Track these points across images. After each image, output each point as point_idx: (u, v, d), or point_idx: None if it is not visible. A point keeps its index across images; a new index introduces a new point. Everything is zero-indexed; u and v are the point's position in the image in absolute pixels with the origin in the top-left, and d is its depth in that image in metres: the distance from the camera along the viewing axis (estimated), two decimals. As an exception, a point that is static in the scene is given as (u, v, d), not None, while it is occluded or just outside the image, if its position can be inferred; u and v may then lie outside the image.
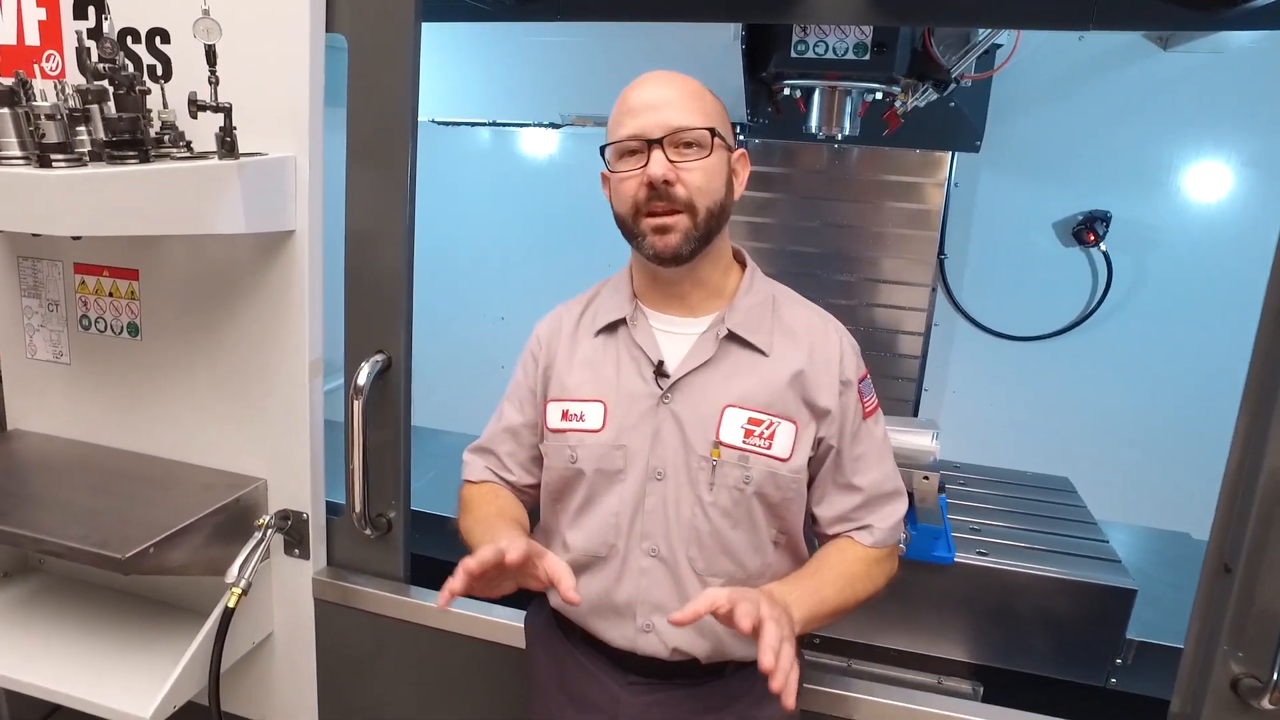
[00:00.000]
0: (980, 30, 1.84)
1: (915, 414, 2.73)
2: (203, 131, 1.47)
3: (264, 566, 1.66)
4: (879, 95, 1.95)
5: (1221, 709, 1.32)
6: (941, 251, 2.63)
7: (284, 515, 1.63)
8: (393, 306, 1.59)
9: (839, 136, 2.06)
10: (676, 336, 1.22)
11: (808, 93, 2.04)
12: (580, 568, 1.21)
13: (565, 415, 1.22)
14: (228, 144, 1.39)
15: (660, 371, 1.19)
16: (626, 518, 1.19)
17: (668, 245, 1.13)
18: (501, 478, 1.34)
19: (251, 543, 1.55)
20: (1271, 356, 1.26)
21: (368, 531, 1.63)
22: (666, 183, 1.11)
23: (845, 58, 1.87)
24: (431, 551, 2.22)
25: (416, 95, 1.53)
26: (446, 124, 2.65)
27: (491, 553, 1.01)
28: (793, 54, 1.89)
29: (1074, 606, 1.69)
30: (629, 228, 1.18)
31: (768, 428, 1.16)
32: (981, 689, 1.78)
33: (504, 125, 2.69)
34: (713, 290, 1.22)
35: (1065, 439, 2.59)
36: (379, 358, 1.58)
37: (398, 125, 1.53)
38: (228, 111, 1.38)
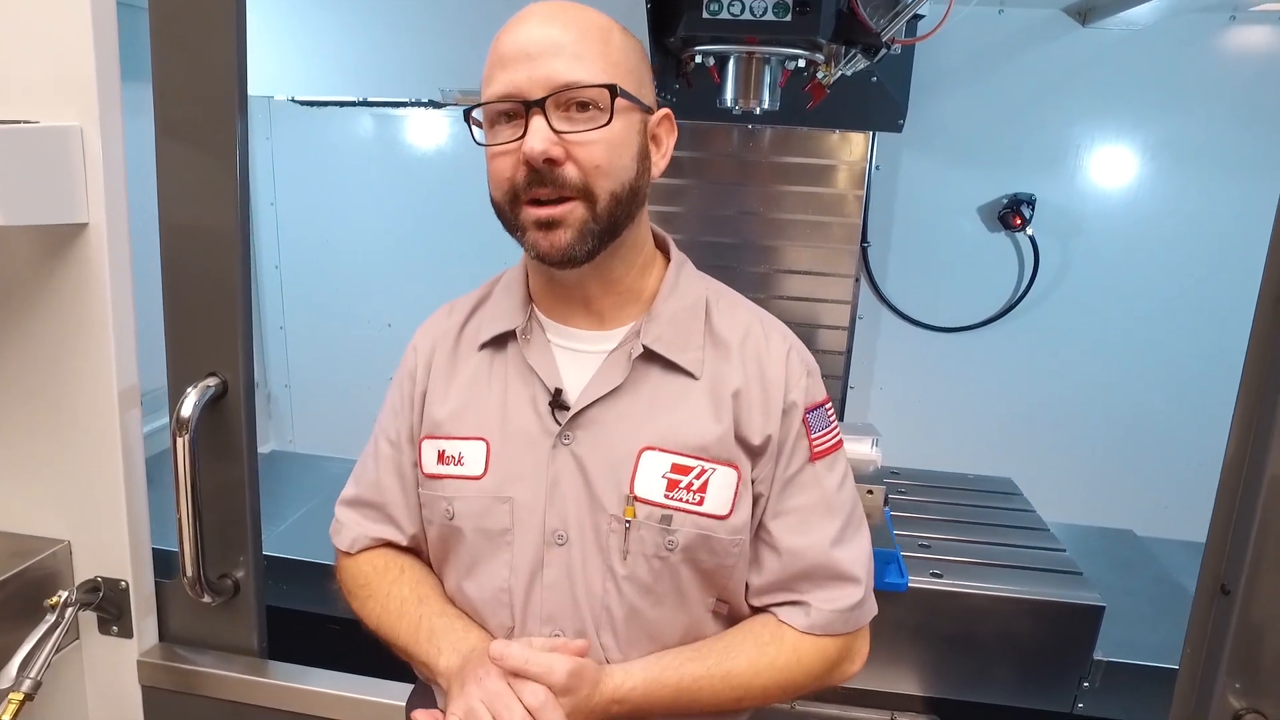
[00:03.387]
0: (908, -9, 1.66)
1: (842, 415, 2.56)
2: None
3: (70, 652, 1.31)
4: (801, 63, 1.74)
5: (1220, 747, 1.17)
6: (864, 239, 2.46)
7: (92, 586, 1.28)
8: (225, 318, 1.27)
9: (757, 111, 1.84)
10: (581, 355, 0.94)
11: (722, 61, 1.81)
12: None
13: (441, 457, 0.94)
14: (-31, 106, 1.04)
15: (558, 402, 0.91)
16: (520, 593, 0.91)
17: (555, 245, 0.84)
18: (391, 541, 1.03)
19: (42, 629, 1.20)
20: (1267, 356, 1.11)
21: (206, 599, 1.29)
22: (550, 161, 0.82)
23: (764, 19, 1.64)
24: (300, 604, 1.90)
25: (244, 56, 1.21)
26: (309, 104, 2.29)
27: None
28: (704, 14, 1.66)
29: (1038, 628, 1.53)
30: (507, 218, 0.88)
31: (698, 476, 0.88)
32: (938, 723, 1.60)
33: (377, 105, 2.36)
34: (627, 294, 0.94)
35: (998, 432, 2.48)
36: (210, 382, 1.26)
37: (221, 94, 1.21)
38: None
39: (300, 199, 2.73)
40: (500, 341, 0.96)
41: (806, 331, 2.50)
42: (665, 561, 0.89)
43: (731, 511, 0.89)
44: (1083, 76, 2.29)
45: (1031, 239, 2.38)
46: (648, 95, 0.90)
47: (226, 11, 1.18)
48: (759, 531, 0.93)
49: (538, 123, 0.82)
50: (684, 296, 0.95)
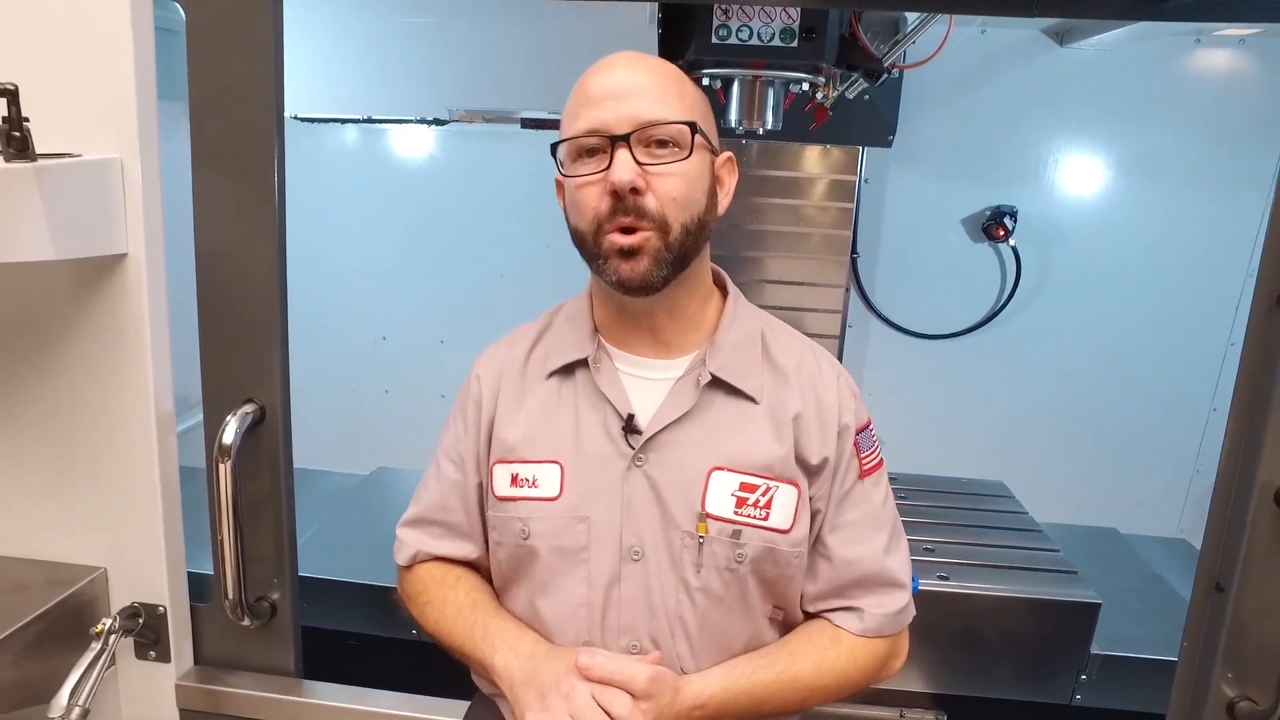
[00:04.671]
0: (910, 17, 1.73)
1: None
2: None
3: (107, 678, 1.31)
4: (805, 86, 1.80)
5: (1217, 732, 1.26)
6: (854, 250, 2.54)
7: (132, 612, 1.30)
8: (263, 346, 1.29)
9: (760, 130, 1.90)
10: (648, 382, 0.99)
11: (727, 83, 1.86)
12: None
13: (515, 480, 0.98)
14: (17, 140, 1.04)
15: (631, 427, 0.96)
16: (599, 607, 0.95)
17: (635, 272, 0.90)
18: (451, 558, 1.07)
19: (88, 657, 1.20)
20: (1260, 366, 1.20)
21: (246, 621, 1.31)
22: (634, 191, 0.88)
23: (771, 44, 1.71)
24: (316, 621, 1.92)
25: (281, 81, 1.23)
26: (312, 120, 2.29)
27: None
28: (714, 39, 1.71)
29: (1038, 625, 1.61)
30: (587, 247, 0.93)
31: (764, 494, 0.94)
32: (945, 717, 1.68)
33: (381, 122, 2.37)
34: (689, 324, 1.00)
35: (984, 435, 2.57)
36: (249, 409, 1.27)
37: (258, 120, 1.23)
38: (12, 95, 1.03)
39: (292, 213, 2.72)
40: (569, 369, 1.00)
41: (797, 339, 2.57)
42: (734, 573, 0.94)
43: (793, 526, 0.95)
44: (1061, 94, 2.39)
45: (1014, 249, 2.49)
46: (714, 138, 0.96)
47: (265, 41, 1.20)
48: (815, 544, 0.99)
49: (623, 155, 0.88)
50: (743, 326, 1.01)
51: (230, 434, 1.23)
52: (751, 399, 0.97)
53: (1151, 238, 2.45)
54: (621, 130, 0.88)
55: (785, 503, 0.95)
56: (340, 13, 1.87)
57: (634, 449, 0.95)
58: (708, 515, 0.94)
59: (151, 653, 1.34)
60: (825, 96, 1.92)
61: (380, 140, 2.66)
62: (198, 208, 1.26)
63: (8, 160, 1.04)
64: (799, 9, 1.65)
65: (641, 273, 0.90)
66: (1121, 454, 2.54)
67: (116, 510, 1.30)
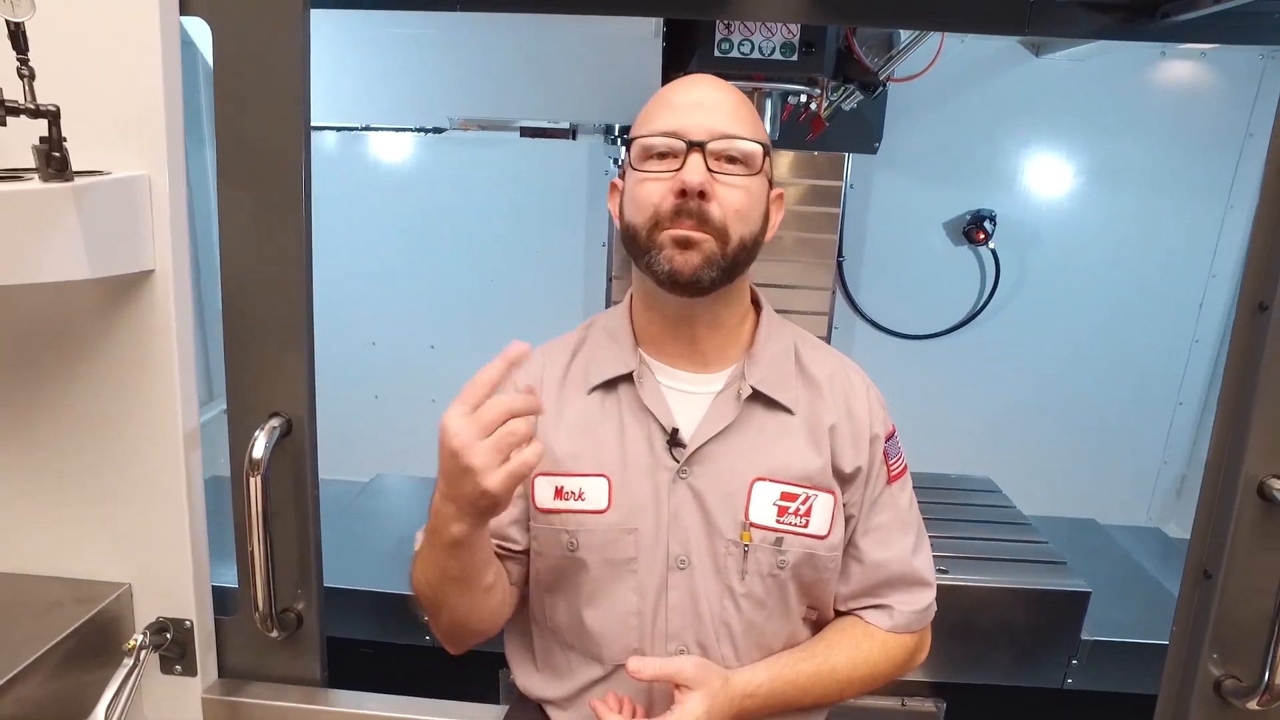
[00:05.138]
0: (903, 33, 1.80)
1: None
2: (9, 145, 1.12)
3: (133, 694, 1.31)
4: (804, 97, 1.86)
5: (1206, 711, 1.34)
6: (839, 254, 2.61)
7: (160, 627, 1.29)
8: (290, 359, 1.30)
9: (757, 141, 1.95)
10: (689, 396, 1.02)
11: (726, 94, 1.91)
12: (596, 679, 1.02)
13: (560, 493, 1.00)
14: (56, 160, 1.04)
15: (675, 440, 0.99)
16: (649, 615, 0.99)
17: (688, 263, 0.92)
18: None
19: (121, 674, 1.20)
20: (1244, 367, 1.28)
21: (275, 633, 1.32)
22: (702, 194, 0.91)
23: (772, 58, 1.76)
24: (328, 630, 1.92)
25: (308, 95, 1.24)
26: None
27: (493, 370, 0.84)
28: (716, 52, 1.76)
29: (1032, 615, 1.69)
30: (640, 241, 0.95)
31: (804, 503, 0.99)
32: (944, 705, 1.75)
33: (379, 130, 2.36)
34: (729, 337, 1.03)
35: (966, 432, 2.67)
36: (276, 423, 1.28)
37: (286, 133, 1.24)
38: (54, 116, 1.03)
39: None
40: (611, 384, 1.03)
41: (785, 341, 2.63)
42: (776, 578, 0.99)
43: (830, 531, 1.00)
44: (1036, 103, 2.49)
45: (993, 252, 2.58)
46: (771, 171, 1.02)
47: (293, 55, 1.21)
48: (847, 547, 1.04)
49: (696, 159, 0.92)
50: (777, 340, 1.05)
51: (260, 448, 1.24)
52: (788, 410, 1.01)
53: (1120, 241, 2.57)
54: (698, 137, 0.92)
55: (823, 510, 1.00)
56: (338, 23, 1.87)
57: (678, 462, 0.99)
58: (751, 524, 0.98)
59: (177, 666, 1.34)
60: (818, 108, 1.98)
61: (367, 146, 2.65)
62: (223, 223, 1.26)
63: (45, 180, 1.04)
64: (799, 24, 1.70)
65: (695, 265, 0.92)
66: (1096, 447, 2.66)
67: (141, 526, 1.30)
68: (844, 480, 1.02)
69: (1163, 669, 1.44)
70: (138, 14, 1.14)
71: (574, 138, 2.18)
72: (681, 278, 0.93)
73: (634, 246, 0.98)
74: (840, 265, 2.64)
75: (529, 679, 1.10)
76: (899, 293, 2.68)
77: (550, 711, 1.08)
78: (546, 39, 1.77)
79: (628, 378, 1.03)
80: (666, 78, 1.85)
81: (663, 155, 0.94)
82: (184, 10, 1.19)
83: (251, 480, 1.24)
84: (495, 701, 1.80)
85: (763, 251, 2.91)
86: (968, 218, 2.56)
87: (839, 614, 1.08)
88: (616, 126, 2.12)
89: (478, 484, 0.80)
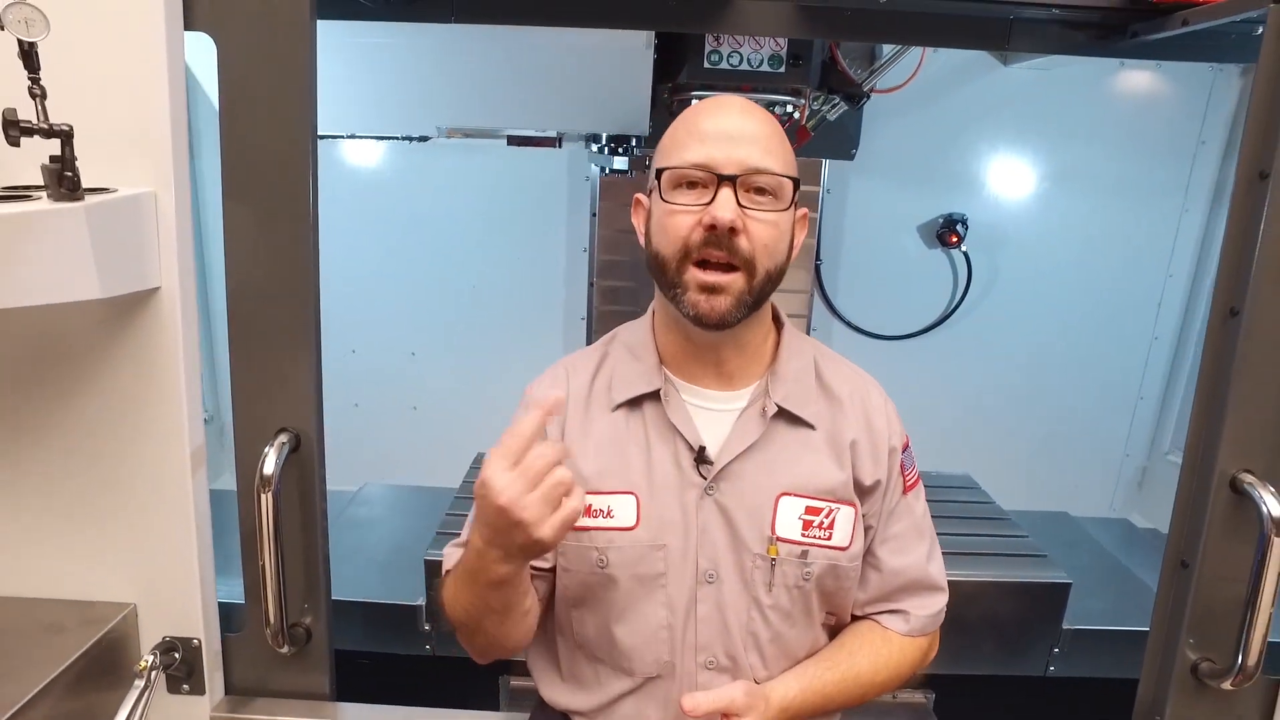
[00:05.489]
0: (886, 47, 1.86)
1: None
2: (12, 161, 1.09)
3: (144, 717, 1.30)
4: (790, 108, 1.90)
5: (1185, 692, 1.42)
6: (818, 257, 2.67)
7: (168, 646, 1.29)
8: (298, 375, 1.30)
9: (743, 149, 1.99)
10: (713, 413, 1.03)
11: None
12: (625, 692, 1.04)
13: (588, 510, 1.01)
14: (68, 180, 1.03)
15: (702, 458, 1.01)
16: (679, 628, 1.01)
17: (715, 309, 0.94)
18: None
19: (133, 696, 1.20)
20: (1217, 369, 1.35)
21: (285, 649, 1.32)
22: (732, 231, 0.92)
23: (760, 70, 1.80)
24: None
25: (315, 108, 1.24)
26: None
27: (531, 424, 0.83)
28: (706, 64, 1.80)
29: (1016, 606, 1.76)
30: (668, 274, 0.97)
31: (827, 516, 1.01)
32: (933, 695, 1.82)
33: (364, 138, 2.34)
34: (753, 356, 1.05)
35: (942, 430, 2.74)
36: (284, 438, 1.28)
37: (293, 147, 1.23)
38: (67, 136, 1.02)
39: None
40: (635, 401, 1.04)
41: (765, 343, 2.68)
42: (801, 590, 1.02)
43: (851, 543, 1.03)
44: (1004, 110, 2.57)
45: (965, 254, 2.66)
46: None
47: (299, 69, 1.20)
48: (866, 555, 1.08)
49: (727, 194, 0.92)
50: (798, 356, 1.07)
51: (270, 465, 1.24)
52: (810, 426, 1.03)
53: (1083, 243, 2.67)
54: (730, 171, 0.92)
55: (845, 522, 1.02)
56: (324, 31, 1.85)
57: (705, 479, 1.00)
58: (778, 539, 1.00)
59: (185, 685, 1.33)
60: (801, 117, 2.03)
61: (345, 152, 2.63)
62: (229, 238, 1.25)
63: (56, 199, 1.03)
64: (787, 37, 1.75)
65: (722, 311, 0.94)
66: (1063, 441, 2.76)
67: (147, 545, 1.28)
68: (864, 492, 1.05)
69: (1140, 654, 1.51)
70: (142, 29, 1.13)
71: (559, 145, 2.19)
72: (708, 322, 0.95)
73: (661, 276, 0.99)
74: (818, 269, 2.70)
75: (554, 690, 1.11)
76: (875, 295, 2.75)
77: None
78: (539, 49, 1.78)
79: (653, 395, 1.04)
80: (656, 88, 1.87)
81: (693, 184, 0.94)
82: (188, 26, 1.18)
83: (263, 497, 1.23)
84: (495, 708, 1.82)
85: None
86: (940, 221, 2.64)
87: (855, 618, 1.11)
88: (604, 135, 2.14)
89: (530, 535, 0.82)
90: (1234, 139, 2.55)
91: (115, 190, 1.13)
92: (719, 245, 0.93)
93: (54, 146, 1.02)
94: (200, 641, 1.31)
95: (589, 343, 2.64)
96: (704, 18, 1.55)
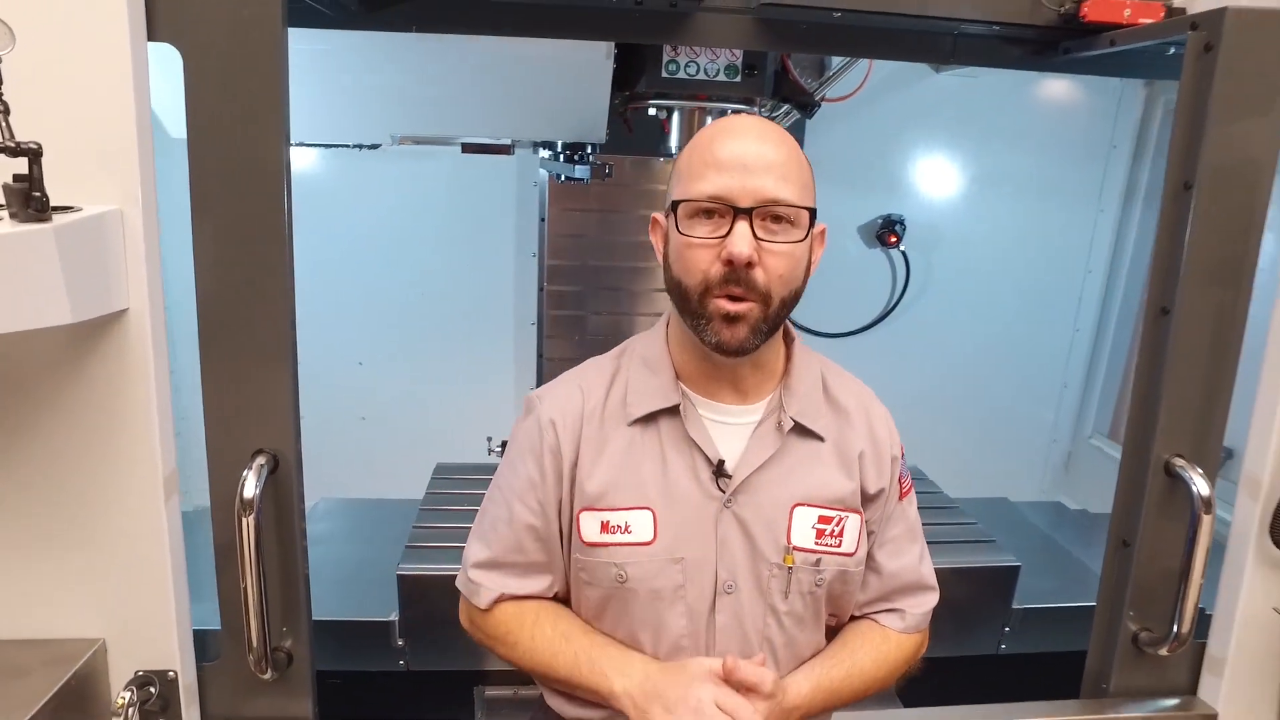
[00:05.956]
0: (835, 59, 1.93)
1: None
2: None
3: (112, 754, 1.25)
4: (744, 117, 1.95)
5: (1127, 660, 1.53)
6: (762, 258, 2.73)
7: (144, 681, 1.24)
8: (274, 394, 1.27)
9: (697, 156, 2.03)
10: (728, 427, 1.05)
11: (669, 112, 1.98)
12: None
13: (605, 527, 1.02)
14: (36, 200, 0.98)
15: (721, 472, 1.03)
16: (700, 637, 1.04)
17: (735, 338, 0.95)
18: (538, 595, 1.10)
19: (111, 736, 1.15)
20: (1151, 364, 1.46)
21: (268, 675, 1.28)
22: (748, 264, 0.93)
23: (716, 79, 1.84)
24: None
25: (287, 118, 1.21)
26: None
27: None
28: (664, 74, 1.83)
29: (969, 590, 1.86)
30: (690, 305, 0.98)
31: (837, 524, 1.05)
32: (894, 679, 1.90)
33: (313, 146, 2.27)
34: (766, 372, 1.07)
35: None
36: (263, 460, 1.25)
37: (265, 158, 1.20)
38: (35, 154, 0.97)
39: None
40: (652, 416, 1.05)
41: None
42: (814, 595, 1.05)
43: (857, 549, 1.07)
44: (936, 115, 2.70)
45: (904, 254, 2.78)
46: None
47: (270, 78, 1.18)
48: (868, 558, 1.12)
49: (743, 228, 0.92)
50: (809, 371, 1.10)
51: (251, 488, 1.21)
52: (820, 438, 1.06)
53: (1009, 242, 2.83)
54: (746, 204, 0.93)
55: (853, 530, 1.06)
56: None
57: (724, 492, 1.02)
58: (794, 548, 1.03)
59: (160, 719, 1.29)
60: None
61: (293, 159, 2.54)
62: (199, 255, 1.21)
63: (22, 220, 0.98)
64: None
65: (740, 339, 0.96)
66: (998, 430, 2.92)
67: (116, 575, 1.23)
68: (868, 500, 1.09)
69: (1082, 628, 1.63)
70: (105, 41, 1.09)
71: (513, 152, 2.19)
72: (728, 349, 0.97)
73: (683, 305, 1.00)
74: (764, 269, 2.77)
75: (559, 700, 1.12)
76: (817, 294, 2.76)
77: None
78: (499, 58, 1.77)
79: (670, 410, 1.05)
80: (612, 96, 1.89)
81: (709, 213, 0.95)
82: (151, 37, 1.14)
83: (244, 521, 1.20)
84: (471, 717, 1.81)
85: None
86: (879, 222, 2.75)
87: (853, 618, 1.15)
88: (559, 144, 2.15)
89: None
90: (1142, 144, 2.75)
91: (80, 209, 1.08)
92: (736, 280, 0.94)
93: (16, 164, 0.98)
94: (176, 674, 1.27)
95: (540, 349, 2.68)
96: (666, 29, 1.58)
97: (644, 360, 1.09)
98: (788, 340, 1.12)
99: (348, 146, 2.10)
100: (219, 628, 1.33)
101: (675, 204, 0.98)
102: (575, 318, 2.60)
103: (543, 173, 2.46)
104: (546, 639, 1.06)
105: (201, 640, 1.33)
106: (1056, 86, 2.73)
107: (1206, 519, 1.40)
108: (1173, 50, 1.56)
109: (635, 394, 1.06)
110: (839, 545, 1.06)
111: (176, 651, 1.26)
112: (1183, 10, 1.53)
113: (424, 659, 1.75)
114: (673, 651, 1.04)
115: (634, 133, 2.12)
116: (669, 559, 1.02)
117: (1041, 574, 1.99)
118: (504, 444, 2.28)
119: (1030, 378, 2.92)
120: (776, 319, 0.99)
